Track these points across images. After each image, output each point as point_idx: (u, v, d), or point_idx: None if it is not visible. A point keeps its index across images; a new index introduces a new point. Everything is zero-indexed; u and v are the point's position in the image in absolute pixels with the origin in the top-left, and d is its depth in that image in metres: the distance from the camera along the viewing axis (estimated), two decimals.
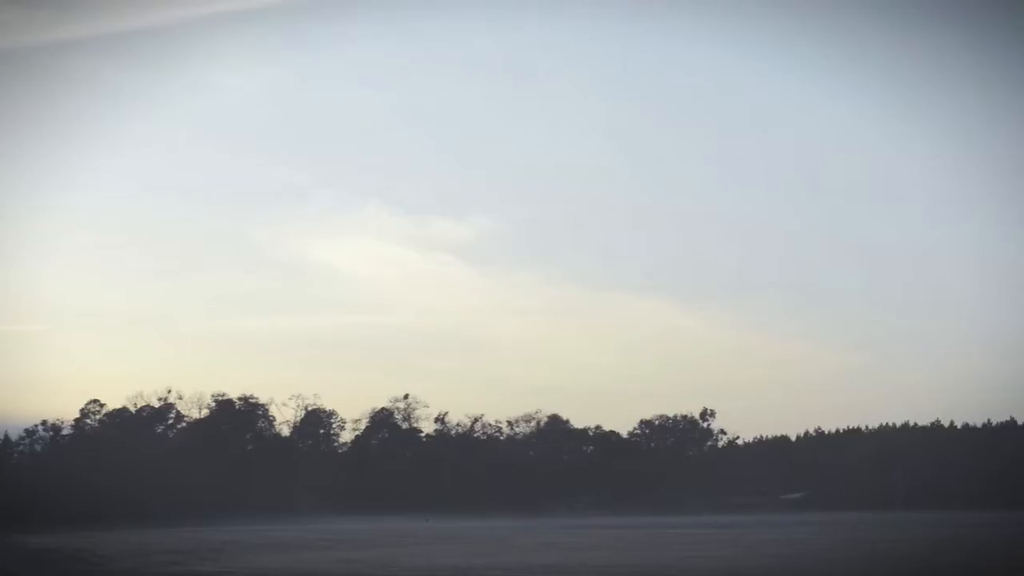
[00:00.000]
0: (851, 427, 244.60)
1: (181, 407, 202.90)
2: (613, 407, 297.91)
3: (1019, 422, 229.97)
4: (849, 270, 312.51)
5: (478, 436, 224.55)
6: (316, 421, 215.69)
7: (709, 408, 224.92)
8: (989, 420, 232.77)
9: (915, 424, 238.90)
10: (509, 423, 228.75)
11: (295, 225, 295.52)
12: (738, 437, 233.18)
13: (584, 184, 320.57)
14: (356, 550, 74.69)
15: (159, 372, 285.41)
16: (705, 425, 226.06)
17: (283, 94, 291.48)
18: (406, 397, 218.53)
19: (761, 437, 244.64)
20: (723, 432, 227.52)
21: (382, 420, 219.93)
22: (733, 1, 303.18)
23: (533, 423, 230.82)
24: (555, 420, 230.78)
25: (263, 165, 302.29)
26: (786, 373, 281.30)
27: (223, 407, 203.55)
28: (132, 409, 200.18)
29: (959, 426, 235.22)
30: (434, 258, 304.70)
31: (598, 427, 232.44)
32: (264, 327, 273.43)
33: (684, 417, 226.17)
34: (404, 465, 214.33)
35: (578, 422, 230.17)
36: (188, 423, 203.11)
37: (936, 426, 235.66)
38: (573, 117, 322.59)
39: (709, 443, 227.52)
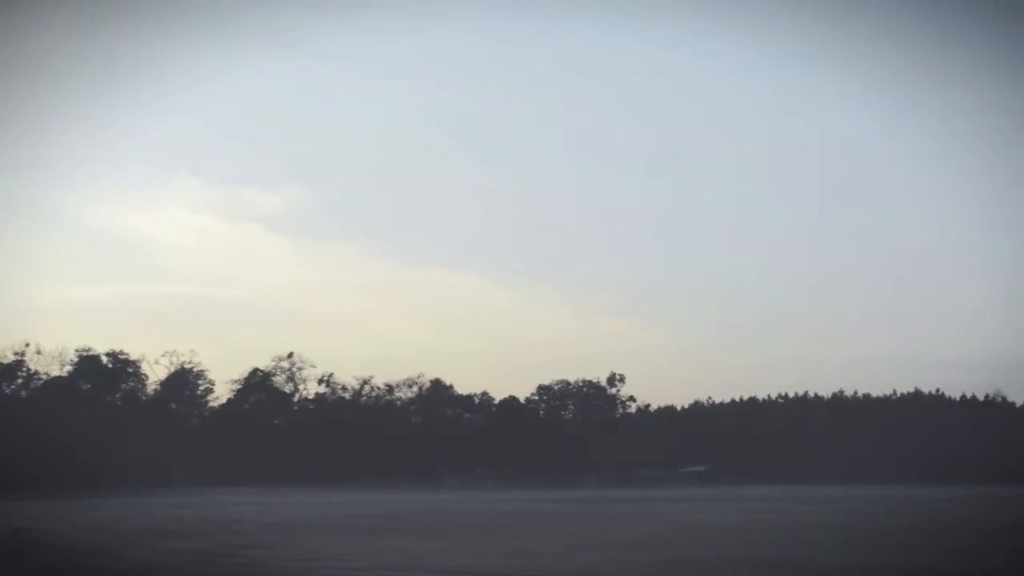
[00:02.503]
0: (751, 397, 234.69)
1: (39, 364, 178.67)
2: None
3: (925, 392, 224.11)
4: (674, 249, 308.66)
5: (364, 400, 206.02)
6: (182, 382, 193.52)
7: (618, 373, 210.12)
8: (895, 391, 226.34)
9: (815, 395, 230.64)
10: (389, 387, 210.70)
11: (106, 193, 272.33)
12: (649, 405, 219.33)
13: (399, 159, 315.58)
14: (435, 536, 57.02)
15: None
16: (613, 391, 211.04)
17: (95, 58, 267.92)
18: (290, 356, 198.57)
19: (650, 406, 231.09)
20: (632, 399, 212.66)
21: (257, 382, 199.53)
22: None
23: (415, 388, 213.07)
24: (438, 385, 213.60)
25: (71, 133, 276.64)
26: (608, 348, 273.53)
27: (87, 364, 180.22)
28: None
29: (861, 396, 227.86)
30: (245, 229, 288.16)
31: (484, 393, 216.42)
32: (78, 296, 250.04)
33: (589, 383, 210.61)
34: (281, 431, 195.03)
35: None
36: (45, 381, 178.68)
37: (840, 396, 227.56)
38: (394, 92, 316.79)
39: (617, 411, 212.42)
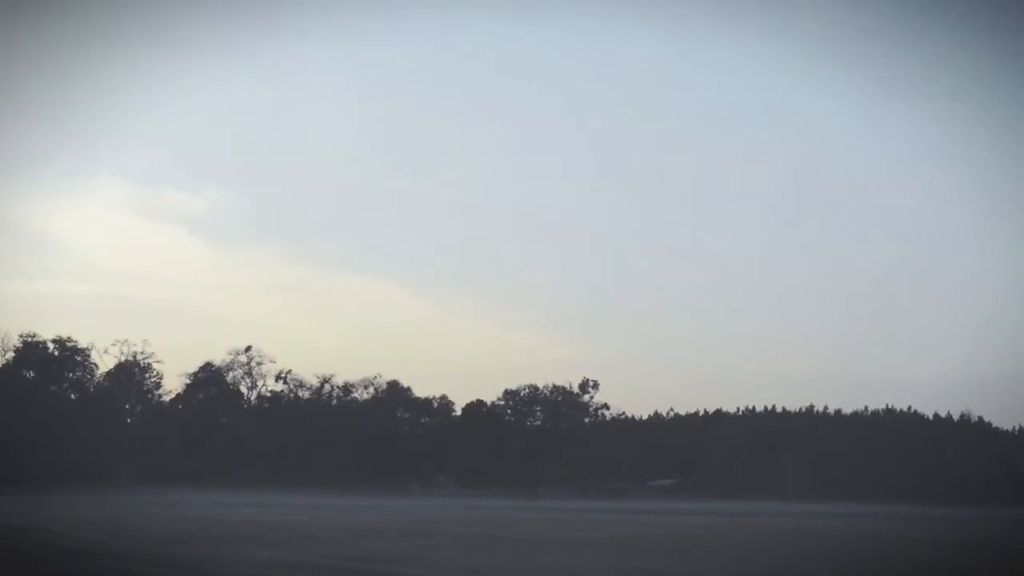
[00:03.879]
0: (716, 410, 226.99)
1: None
2: None
3: (898, 410, 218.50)
4: (612, 264, 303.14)
5: (324, 400, 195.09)
6: (128, 374, 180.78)
7: (591, 379, 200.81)
8: (866, 407, 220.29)
9: (784, 409, 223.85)
10: (348, 386, 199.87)
11: (25, 189, 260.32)
12: (623, 413, 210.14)
13: (324, 166, 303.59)
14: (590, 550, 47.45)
15: None
16: (587, 398, 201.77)
17: (18, 56, 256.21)
18: (248, 350, 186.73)
19: (623, 414, 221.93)
20: (607, 407, 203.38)
21: (208, 376, 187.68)
22: None
23: (371, 389, 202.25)
24: (396, 387, 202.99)
25: None
26: (519, 361, 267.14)
27: (31, 350, 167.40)
28: None
29: (832, 412, 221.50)
30: (165, 231, 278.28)
31: (444, 397, 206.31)
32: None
33: (559, 388, 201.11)
34: (233, 429, 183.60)
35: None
36: None
37: (810, 412, 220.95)
38: (319, 98, 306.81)
39: (588, 419, 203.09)
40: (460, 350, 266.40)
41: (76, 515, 64.98)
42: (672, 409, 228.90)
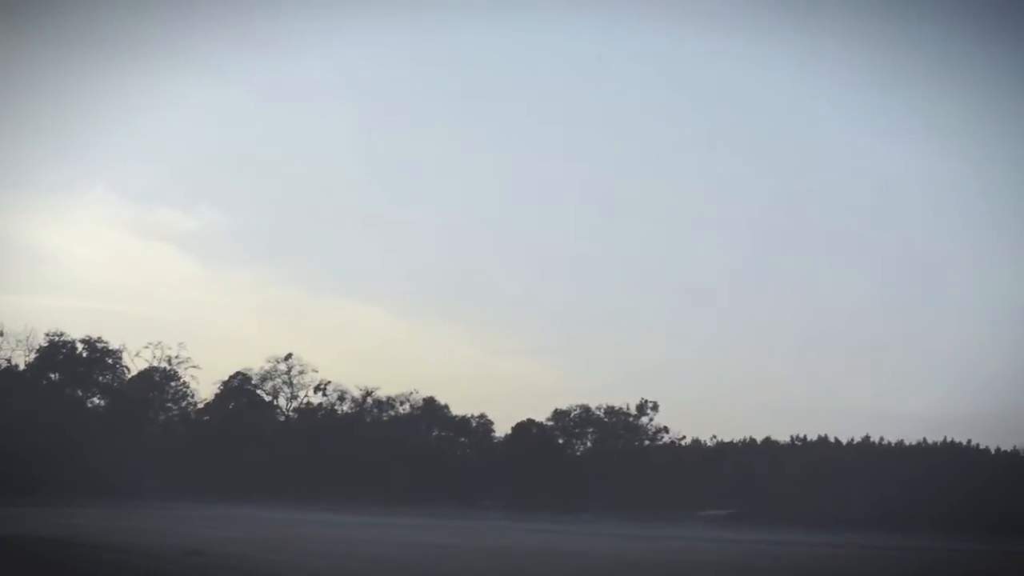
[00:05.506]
0: (765, 438, 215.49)
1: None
2: None
3: (956, 442, 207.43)
4: (596, 293, 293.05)
5: (364, 414, 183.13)
6: (152, 382, 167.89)
7: (650, 400, 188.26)
8: (924, 439, 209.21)
9: (836, 439, 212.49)
10: (389, 401, 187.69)
11: (15, 202, 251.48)
12: (683, 437, 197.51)
13: (317, 189, 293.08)
14: None
15: None
16: (646, 420, 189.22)
17: (15, 68, 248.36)
18: (288, 358, 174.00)
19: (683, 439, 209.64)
20: (665, 430, 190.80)
21: (239, 386, 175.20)
22: None
23: (407, 406, 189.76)
24: (432, 404, 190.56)
25: None
26: (509, 388, 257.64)
27: (57, 350, 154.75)
28: None
29: (890, 443, 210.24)
30: (157, 248, 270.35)
31: (482, 415, 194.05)
32: None
33: (614, 409, 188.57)
34: (269, 440, 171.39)
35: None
36: (4, 369, 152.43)
37: (866, 442, 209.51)
38: (314, 120, 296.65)
39: (645, 442, 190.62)
40: (448, 371, 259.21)
41: (214, 535, 53.01)
42: (715, 436, 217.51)
